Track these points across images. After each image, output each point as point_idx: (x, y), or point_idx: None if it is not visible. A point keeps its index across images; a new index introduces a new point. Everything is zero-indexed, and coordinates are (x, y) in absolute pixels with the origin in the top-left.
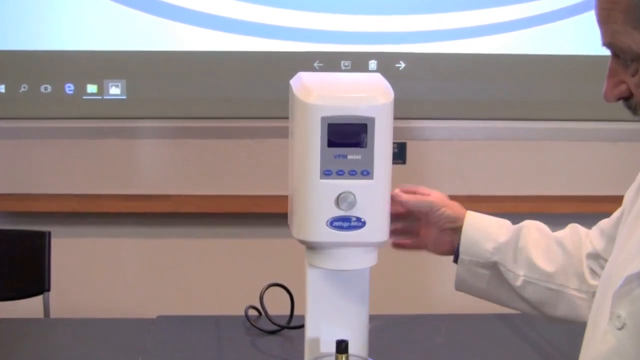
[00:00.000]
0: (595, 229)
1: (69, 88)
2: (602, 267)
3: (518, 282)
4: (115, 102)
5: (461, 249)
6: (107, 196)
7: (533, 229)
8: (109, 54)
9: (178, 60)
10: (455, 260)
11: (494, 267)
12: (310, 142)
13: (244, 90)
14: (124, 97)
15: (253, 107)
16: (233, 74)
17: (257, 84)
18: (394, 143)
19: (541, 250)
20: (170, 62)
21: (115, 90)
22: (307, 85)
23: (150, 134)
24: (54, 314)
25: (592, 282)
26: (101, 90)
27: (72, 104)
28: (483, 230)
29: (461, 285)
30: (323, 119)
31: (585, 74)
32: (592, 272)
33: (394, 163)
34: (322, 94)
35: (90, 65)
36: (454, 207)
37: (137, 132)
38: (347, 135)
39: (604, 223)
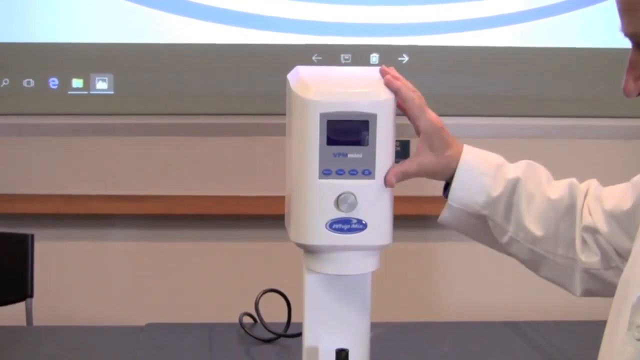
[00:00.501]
0: (596, 204)
1: (53, 82)
2: (597, 243)
3: (504, 239)
4: (102, 97)
5: (451, 195)
6: (94, 197)
7: (530, 181)
8: (95, 47)
9: (169, 54)
10: (444, 194)
11: (482, 218)
12: (308, 139)
13: (239, 85)
14: (112, 92)
15: (248, 103)
16: (227, 68)
17: (252, 79)
18: (396, 141)
19: (533, 210)
20: (160, 55)
21: (102, 85)
22: (305, 80)
23: (140, 131)
24: (37, 321)
25: (582, 256)
26: (87, 84)
27: (57, 99)
28: (477, 181)
29: (444, 222)
30: (322, 115)
31: (598, 67)
32: (585, 244)
33: (396, 162)
34: (320, 89)
35: (76, 58)
36: (449, 135)
37: (125, 129)
38: (347, 132)
39: (612, 204)
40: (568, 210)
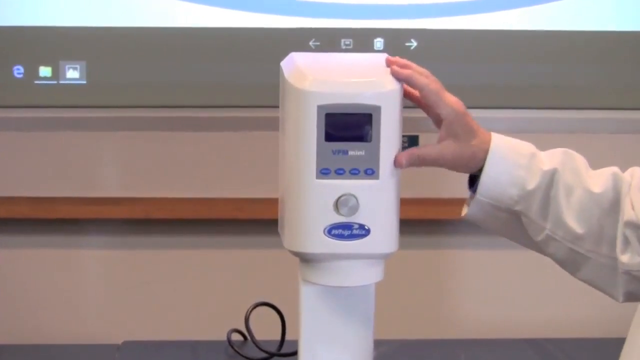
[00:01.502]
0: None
1: (18, 71)
2: None
3: (540, 236)
4: (74, 87)
5: (480, 189)
6: (64, 199)
7: (568, 173)
8: (65, 30)
9: (148, 39)
10: (471, 187)
11: (515, 214)
12: (304, 135)
13: (227, 75)
14: (84, 82)
15: (237, 95)
16: (213, 54)
17: (241, 67)
18: (403, 136)
19: (573, 205)
20: (139, 40)
21: (73, 74)
22: (301, 68)
23: (116, 125)
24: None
25: (623, 257)
26: (56, 73)
27: (22, 89)
28: (509, 172)
29: (470, 218)
30: (320, 108)
31: (633, 54)
32: (627, 242)
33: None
34: (318, 78)
35: (43, 44)
36: (473, 121)
37: (99, 123)
38: (348, 127)
39: None
40: (612, 205)
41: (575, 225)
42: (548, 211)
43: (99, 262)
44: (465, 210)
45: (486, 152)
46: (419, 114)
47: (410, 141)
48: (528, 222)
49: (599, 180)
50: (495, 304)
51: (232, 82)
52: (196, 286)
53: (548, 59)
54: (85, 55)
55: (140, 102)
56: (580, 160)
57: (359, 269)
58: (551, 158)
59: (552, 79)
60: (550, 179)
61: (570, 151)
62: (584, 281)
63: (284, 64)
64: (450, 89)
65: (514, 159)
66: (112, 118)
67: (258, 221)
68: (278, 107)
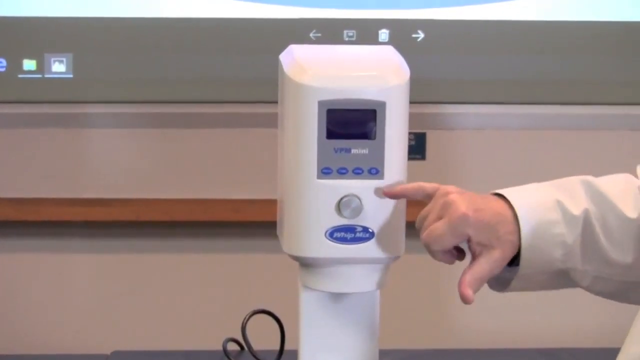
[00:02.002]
0: None
1: (1, 64)
2: None
3: (587, 282)
4: (60, 82)
5: (522, 264)
6: (50, 200)
7: (598, 206)
8: (50, 21)
9: (138, 30)
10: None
11: (560, 272)
12: (304, 132)
13: (223, 68)
14: (70, 76)
15: (233, 89)
16: (208, 47)
17: (237, 60)
18: (410, 133)
19: (615, 238)
20: (128, 31)
21: (59, 67)
22: (301, 62)
23: (104, 122)
24: None
25: None
26: (41, 66)
27: (5, 84)
28: (547, 236)
29: (513, 291)
30: (321, 103)
31: None
32: None
33: (410, 158)
34: (319, 72)
35: (27, 36)
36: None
37: (87, 119)
38: (351, 124)
39: None
40: None
41: (622, 258)
42: (592, 255)
43: (86, 267)
44: (499, 286)
45: (514, 224)
46: (426, 109)
47: (417, 139)
48: (574, 272)
49: (628, 201)
50: (507, 311)
51: (228, 76)
52: (190, 292)
53: (563, 51)
54: (72, 47)
55: (131, 97)
56: (602, 184)
57: (363, 274)
58: (575, 196)
59: (567, 73)
60: (586, 223)
61: (589, 178)
62: (636, 304)
63: (283, 57)
64: (458, 83)
65: (545, 217)
66: (101, 114)
67: (255, 224)
68: (277, 102)
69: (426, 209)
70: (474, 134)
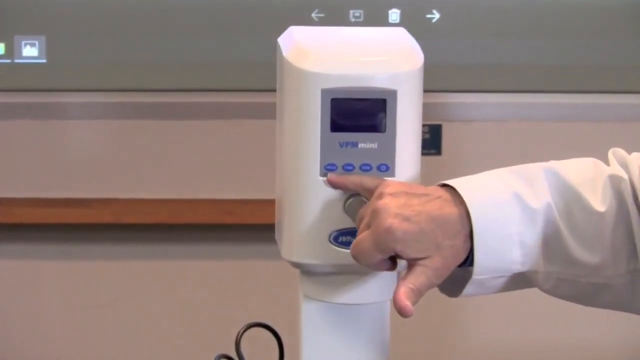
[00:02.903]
0: None
1: None
2: None
3: (549, 284)
4: (31, 67)
5: (476, 269)
6: (19, 201)
7: (561, 199)
8: (21, 0)
9: (119, 10)
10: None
11: (518, 275)
12: (306, 124)
13: (214, 52)
14: (43, 61)
15: (225, 76)
16: (197, 29)
17: (231, 43)
18: (424, 126)
19: (580, 234)
20: (107, 12)
21: (30, 51)
22: (302, 45)
23: (81, 112)
24: None
25: None
26: (11, 50)
27: None
28: (504, 235)
29: (468, 296)
30: (324, 92)
31: None
32: None
33: (424, 153)
34: (322, 56)
35: None
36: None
37: (62, 110)
38: (358, 114)
39: None
40: (619, 214)
41: (588, 257)
42: (555, 255)
43: (60, 275)
44: (451, 290)
45: (460, 223)
46: (442, 98)
47: (432, 131)
48: (535, 275)
49: (597, 192)
50: (525, 323)
51: (220, 61)
52: (177, 304)
53: (590, 36)
54: (45, 29)
55: (111, 85)
56: (567, 172)
57: (372, 283)
58: (536, 186)
59: (595, 59)
60: (547, 218)
61: (552, 165)
62: (602, 307)
63: (282, 40)
64: (480, 70)
65: (501, 213)
66: (77, 104)
67: (250, 227)
68: (274, 91)
69: (361, 210)
70: (495, 126)
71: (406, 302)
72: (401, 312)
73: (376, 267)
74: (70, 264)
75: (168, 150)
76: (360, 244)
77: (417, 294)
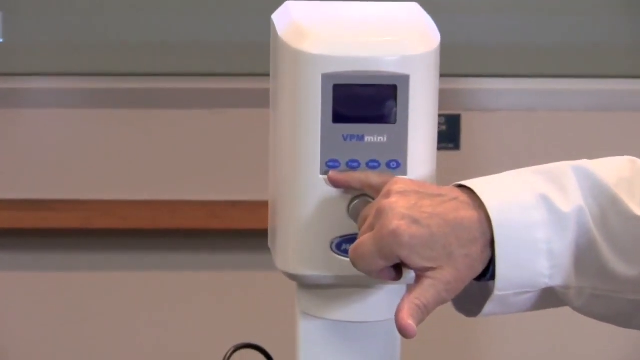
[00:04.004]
0: None
1: None
2: None
3: (580, 302)
4: None
5: (499, 284)
6: None
7: (595, 202)
8: None
9: None
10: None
11: (546, 291)
12: (304, 114)
13: (196, 31)
14: (0, 40)
15: (210, 58)
16: (176, 4)
17: (216, 21)
18: (440, 116)
19: (618, 243)
20: None
21: None
22: (300, 23)
23: (43, 100)
24: None
25: None
26: None
27: None
28: (528, 239)
29: (486, 316)
30: (326, 77)
31: None
32: None
33: (441, 148)
34: (323, 36)
35: None
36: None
37: (21, 97)
38: (364, 103)
39: None
40: None
41: (625, 269)
42: (588, 266)
43: (22, 287)
44: (469, 309)
45: (479, 230)
46: (462, 84)
47: (450, 122)
48: (564, 291)
49: (634, 194)
50: (545, 337)
51: (204, 41)
52: (153, 321)
53: (635, 12)
54: (2, 4)
55: (77, 68)
56: (601, 171)
57: (380, 299)
58: (565, 188)
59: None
60: (579, 224)
61: (583, 164)
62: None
63: (277, 16)
64: (506, 51)
65: (526, 218)
66: (39, 90)
67: (240, 233)
68: (268, 75)
69: (365, 209)
70: (523, 117)
71: (408, 321)
72: (403, 332)
73: (378, 276)
74: (32, 275)
75: (143, 144)
76: (361, 248)
77: (424, 312)
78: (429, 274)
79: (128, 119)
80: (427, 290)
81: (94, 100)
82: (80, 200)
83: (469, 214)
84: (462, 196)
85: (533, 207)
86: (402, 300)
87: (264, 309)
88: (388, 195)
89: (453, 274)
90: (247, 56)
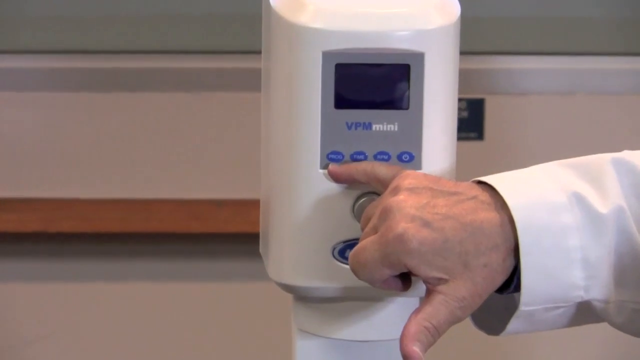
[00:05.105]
0: None
1: None
2: None
3: (621, 317)
4: None
5: (524, 298)
6: None
7: (636, 199)
8: None
9: None
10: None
11: (581, 305)
12: (302, 99)
13: (180, 4)
14: None
15: (191, 33)
16: None
17: None
18: (461, 100)
19: None
20: None
21: None
22: None
23: (6, 83)
24: None
25: None
26: None
27: None
28: (559, 245)
29: (509, 334)
30: (327, 55)
31: None
32: None
33: (461, 138)
34: (324, 7)
35: None
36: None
37: None
38: (371, 86)
39: None
40: None
41: None
42: (628, 276)
43: None
44: (491, 326)
45: (501, 234)
46: (486, 63)
47: (472, 108)
48: (602, 305)
49: None
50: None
51: (187, 15)
52: (125, 338)
53: None
54: None
55: (36, 45)
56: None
57: (389, 314)
58: (603, 185)
59: None
60: (618, 227)
61: (625, 156)
62: None
63: None
64: (536, 25)
65: (556, 221)
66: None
67: (226, 237)
68: (259, 53)
69: (369, 207)
70: (557, 101)
71: (413, 348)
72: (407, 359)
73: (382, 286)
74: None
75: (111, 133)
76: (362, 253)
77: (434, 335)
78: (441, 288)
79: (92, 103)
80: (437, 308)
81: (52, 82)
82: (36, 199)
83: (490, 215)
84: (482, 195)
85: (565, 208)
86: (409, 320)
87: (254, 326)
88: (396, 191)
89: (469, 287)
90: (234, 30)
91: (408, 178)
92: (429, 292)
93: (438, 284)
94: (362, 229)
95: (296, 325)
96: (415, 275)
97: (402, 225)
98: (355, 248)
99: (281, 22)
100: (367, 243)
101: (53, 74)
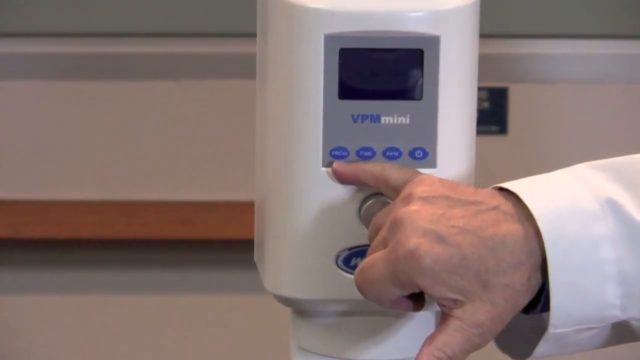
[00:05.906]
0: None
1: None
2: None
3: None
4: None
5: (554, 320)
6: None
7: None
8: None
9: None
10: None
11: (616, 325)
12: (302, 88)
13: None
14: None
15: (180, 15)
16: None
17: None
18: (481, 90)
19: None
20: None
21: None
22: None
23: None
24: None
25: None
26: None
27: None
28: (591, 259)
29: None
30: (330, 39)
31: None
32: None
33: (481, 132)
34: None
35: None
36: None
37: None
38: (380, 73)
39: None
40: None
41: None
42: None
43: None
44: (518, 350)
45: (525, 249)
46: (508, 48)
47: (494, 98)
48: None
49: None
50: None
51: None
52: (102, 353)
53: None
54: None
55: (25, 28)
56: None
57: (399, 331)
58: (637, 190)
59: None
60: None
61: None
62: None
63: None
64: (562, 2)
65: (588, 232)
66: None
67: (218, 243)
68: (254, 36)
69: (378, 216)
70: (589, 90)
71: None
72: None
73: (392, 307)
74: None
75: (88, 126)
76: (370, 270)
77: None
78: (457, 312)
79: (68, 93)
80: (452, 335)
81: (23, 70)
82: (8, 200)
83: (513, 228)
84: (505, 204)
85: (597, 217)
86: (421, 350)
87: (248, 345)
88: (408, 200)
89: (488, 311)
90: (226, 11)
91: (422, 185)
92: (444, 316)
93: (454, 307)
94: (370, 240)
95: (295, 342)
96: (427, 295)
97: (413, 241)
98: (362, 264)
99: (278, 2)
100: (375, 259)
101: (18, 60)
